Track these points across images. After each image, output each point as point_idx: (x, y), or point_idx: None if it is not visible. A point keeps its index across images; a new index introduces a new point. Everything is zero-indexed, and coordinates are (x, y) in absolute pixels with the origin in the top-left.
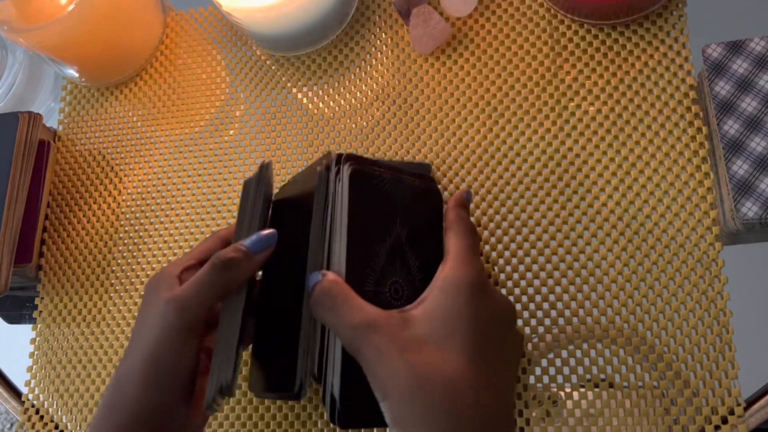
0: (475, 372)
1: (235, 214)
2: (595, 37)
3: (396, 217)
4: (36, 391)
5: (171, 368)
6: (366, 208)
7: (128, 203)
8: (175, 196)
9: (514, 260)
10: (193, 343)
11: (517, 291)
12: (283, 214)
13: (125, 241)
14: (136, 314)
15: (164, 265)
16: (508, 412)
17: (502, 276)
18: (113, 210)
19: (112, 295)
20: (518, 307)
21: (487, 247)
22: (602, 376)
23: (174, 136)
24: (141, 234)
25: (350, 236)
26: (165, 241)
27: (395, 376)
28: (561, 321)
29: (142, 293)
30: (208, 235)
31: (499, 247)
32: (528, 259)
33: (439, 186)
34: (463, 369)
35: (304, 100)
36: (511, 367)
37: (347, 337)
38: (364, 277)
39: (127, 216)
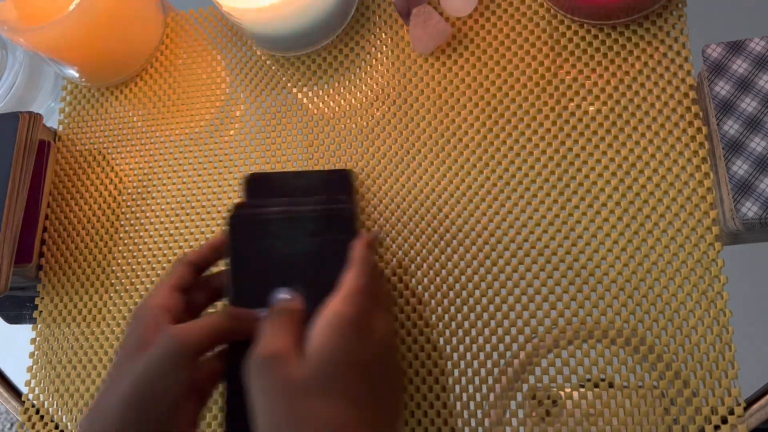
0: (355, 416)
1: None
2: (595, 37)
3: (286, 254)
4: (36, 391)
5: (161, 402)
6: (251, 253)
7: (128, 203)
8: (175, 196)
9: (514, 260)
10: (186, 382)
11: (516, 291)
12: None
13: (125, 241)
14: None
15: (164, 265)
16: None
17: (502, 276)
18: (113, 210)
19: (112, 295)
20: (518, 307)
21: (486, 247)
22: (602, 376)
23: (174, 136)
24: (141, 234)
25: (235, 284)
26: (165, 241)
27: (277, 424)
28: (561, 321)
29: (142, 293)
30: (174, 261)
31: (499, 247)
32: (528, 259)
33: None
34: (343, 413)
35: (304, 100)
36: (393, 403)
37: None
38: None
39: (127, 216)
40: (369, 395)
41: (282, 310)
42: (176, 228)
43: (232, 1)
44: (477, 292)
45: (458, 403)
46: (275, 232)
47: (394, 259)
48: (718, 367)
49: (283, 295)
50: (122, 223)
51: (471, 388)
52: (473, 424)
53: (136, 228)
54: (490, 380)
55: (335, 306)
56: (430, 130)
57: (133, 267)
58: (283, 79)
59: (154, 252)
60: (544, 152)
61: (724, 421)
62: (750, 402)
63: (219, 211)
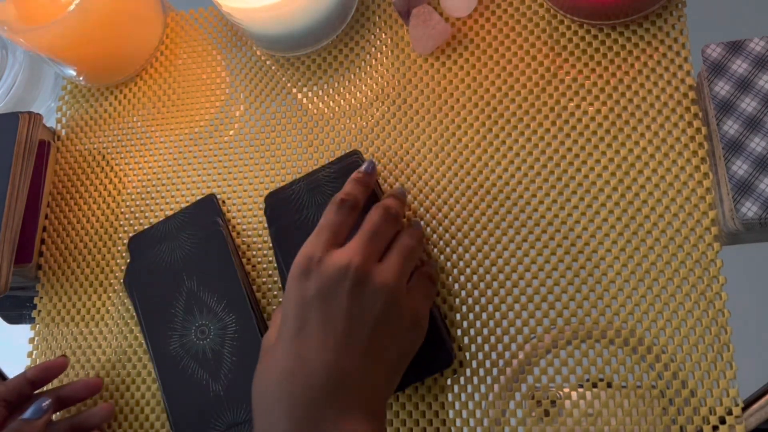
0: (286, 357)
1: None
2: (595, 37)
3: (181, 273)
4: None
5: None
6: (149, 286)
7: (128, 203)
8: (175, 196)
9: (513, 260)
10: None
11: (516, 291)
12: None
13: (124, 241)
14: (134, 314)
15: None
16: (339, 379)
17: (501, 276)
18: (113, 210)
19: (111, 295)
20: (516, 306)
21: (486, 247)
22: (600, 376)
23: (174, 136)
24: None
25: (144, 318)
26: None
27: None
28: (559, 321)
29: None
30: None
31: (498, 247)
32: (527, 259)
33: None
34: (280, 357)
35: (304, 101)
36: (341, 332)
37: None
38: (167, 339)
39: (127, 216)
40: (308, 328)
41: None
42: None
43: (232, 1)
44: (476, 292)
45: (457, 403)
46: (305, 204)
47: None
48: (716, 368)
49: None
50: (122, 223)
51: (470, 387)
52: (471, 423)
53: (136, 228)
54: (489, 380)
55: (299, 253)
56: (429, 130)
57: None
58: (283, 79)
59: None
60: (543, 152)
61: (722, 421)
62: (748, 403)
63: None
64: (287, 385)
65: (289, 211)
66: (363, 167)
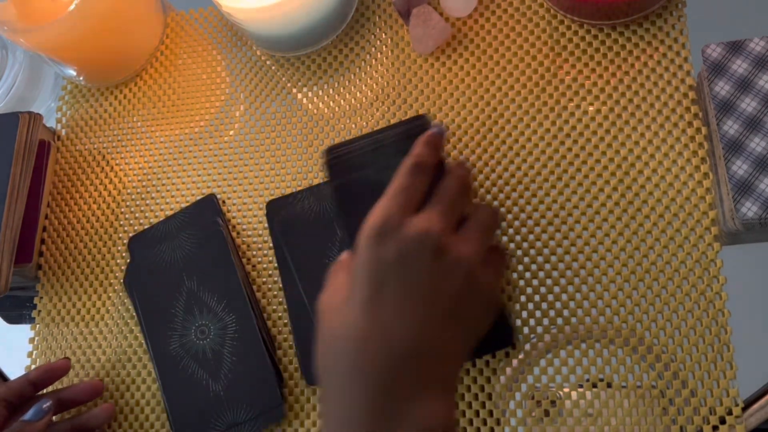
0: (363, 321)
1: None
2: (595, 37)
3: (181, 273)
4: None
5: None
6: (149, 286)
7: (128, 203)
8: (175, 196)
9: (513, 260)
10: None
11: (516, 291)
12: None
13: (124, 241)
14: (134, 314)
15: None
16: (420, 349)
17: None
18: (113, 210)
19: (111, 295)
20: (516, 306)
21: None
22: (600, 375)
23: (174, 136)
24: None
25: (144, 318)
26: None
27: (317, 349)
28: (559, 321)
29: None
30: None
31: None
32: (527, 259)
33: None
34: (353, 321)
35: (304, 101)
36: (421, 300)
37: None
38: (167, 339)
39: (127, 216)
40: (384, 296)
41: None
42: None
43: (232, 1)
44: None
45: (457, 402)
46: (366, 162)
47: None
48: (716, 368)
49: None
50: (122, 223)
51: (471, 388)
52: (474, 423)
53: (136, 228)
54: (490, 379)
55: (371, 214)
56: None
57: None
58: (283, 79)
59: None
60: (543, 152)
61: (723, 421)
62: (748, 403)
63: None
64: (363, 349)
65: (350, 168)
66: (434, 130)
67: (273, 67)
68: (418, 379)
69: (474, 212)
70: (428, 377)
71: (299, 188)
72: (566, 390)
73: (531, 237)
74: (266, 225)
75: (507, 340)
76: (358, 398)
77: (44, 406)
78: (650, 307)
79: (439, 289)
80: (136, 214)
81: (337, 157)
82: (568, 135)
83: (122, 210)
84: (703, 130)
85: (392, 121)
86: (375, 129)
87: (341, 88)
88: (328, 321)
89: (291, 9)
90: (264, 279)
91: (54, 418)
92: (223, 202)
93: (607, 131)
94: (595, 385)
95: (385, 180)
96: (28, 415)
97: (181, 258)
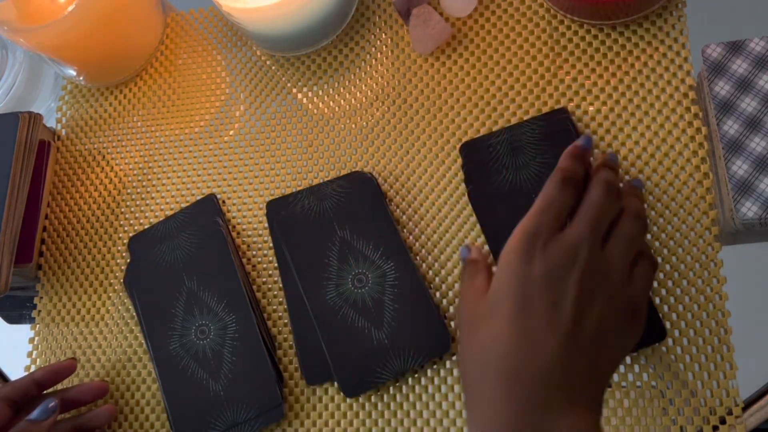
0: (509, 334)
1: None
2: (595, 37)
3: (181, 273)
4: None
5: None
6: (149, 286)
7: (128, 203)
8: (175, 196)
9: None
10: None
11: None
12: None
13: (124, 241)
14: (134, 314)
15: None
16: (566, 364)
17: None
18: (113, 210)
19: (111, 295)
20: None
21: (486, 248)
22: None
23: (174, 135)
24: None
25: (144, 318)
26: None
27: (461, 360)
28: None
29: None
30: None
31: None
32: None
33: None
34: (500, 333)
35: (304, 101)
36: (569, 317)
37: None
38: (167, 338)
39: (127, 216)
40: (530, 311)
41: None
42: None
43: (232, 1)
44: None
45: (457, 403)
46: (504, 164)
47: None
48: (716, 368)
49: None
50: (122, 223)
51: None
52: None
53: (136, 228)
54: None
55: (518, 229)
56: (429, 130)
57: None
58: (283, 79)
59: None
60: None
61: (723, 421)
62: (748, 402)
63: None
64: (513, 363)
65: (487, 171)
66: (580, 142)
67: (273, 67)
68: (563, 393)
69: (620, 222)
70: (574, 392)
71: (299, 188)
72: None
73: None
74: (266, 225)
75: (659, 334)
76: (503, 410)
77: (50, 405)
78: None
79: (586, 308)
80: (136, 214)
81: (473, 157)
82: None
83: (122, 210)
84: (703, 130)
85: (392, 121)
86: (511, 123)
87: (341, 88)
88: (475, 330)
89: (291, 9)
90: (264, 279)
91: None
92: (223, 202)
93: (607, 131)
94: None
95: (524, 185)
96: (33, 414)
97: (181, 258)
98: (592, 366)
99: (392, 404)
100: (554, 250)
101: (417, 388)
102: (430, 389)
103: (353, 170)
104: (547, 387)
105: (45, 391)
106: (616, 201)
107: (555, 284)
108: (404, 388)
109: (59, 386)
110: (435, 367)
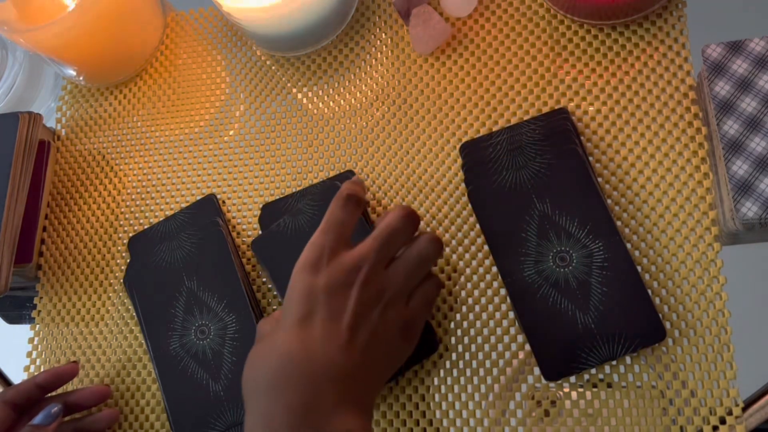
0: (289, 342)
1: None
2: (595, 37)
3: (181, 273)
4: None
5: None
6: (149, 286)
7: (128, 203)
8: (174, 196)
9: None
10: None
11: None
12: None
13: (124, 241)
14: (134, 314)
15: None
16: (340, 373)
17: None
18: (113, 210)
19: (111, 295)
20: None
21: (486, 247)
22: (600, 376)
23: (174, 136)
24: None
25: (144, 318)
26: None
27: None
28: None
29: None
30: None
31: None
32: None
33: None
34: (280, 344)
35: (304, 101)
36: (345, 328)
37: None
38: (167, 339)
39: (127, 216)
40: (313, 317)
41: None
42: None
43: (232, 1)
44: (476, 292)
45: (457, 403)
46: (503, 165)
47: None
48: (716, 368)
49: None
50: (121, 223)
51: (470, 387)
52: (472, 423)
53: (136, 228)
54: (489, 380)
55: (306, 248)
56: (429, 130)
57: None
58: (283, 79)
59: None
60: None
61: (723, 421)
62: (748, 403)
63: None
64: (287, 367)
65: (487, 171)
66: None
67: (273, 67)
68: (337, 396)
69: (412, 245)
70: (346, 398)
71: (299, 188)
72: (566, 390)
73: None
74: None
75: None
76: (277, 415)
77: (53, 410)
78: None
79: (363, 319)
80: (136, 214)
81: (473, 157)
82: None
83: (122, 210)
84: (703, 130)
85: (392, 121)
86: (511, 123)
87: (341, 88)
88: (260, 345)
89: (291, 9)
90: (264, 279)
91: None
92: (223, 202)
93: (607, 131)
94: (595, 385)
95: (524, 185)
96: (37, 419)
97: (181, 258)
98: (365, 374)
99: (401, 413)
100: (338, 265)
101: (419, 387)
102: (431, 389)
103: (346, 170)
104: (321, 391)
105: (47, 395)
106: (412, 228)
107: (334, 296)
108: (404, 386)
109: (60, 389)
110: (435, 366)
